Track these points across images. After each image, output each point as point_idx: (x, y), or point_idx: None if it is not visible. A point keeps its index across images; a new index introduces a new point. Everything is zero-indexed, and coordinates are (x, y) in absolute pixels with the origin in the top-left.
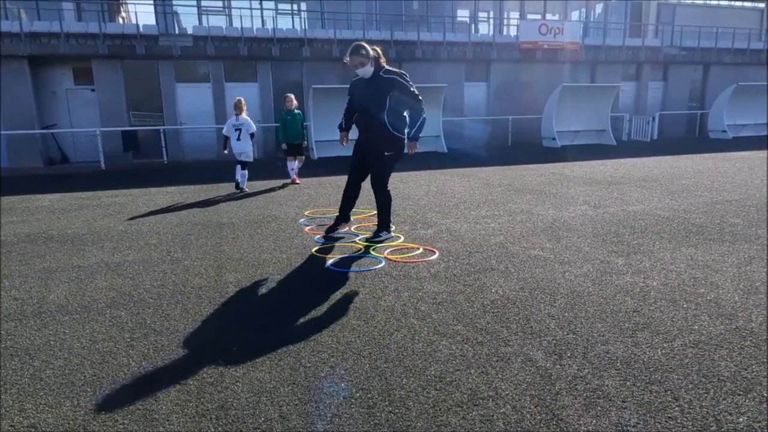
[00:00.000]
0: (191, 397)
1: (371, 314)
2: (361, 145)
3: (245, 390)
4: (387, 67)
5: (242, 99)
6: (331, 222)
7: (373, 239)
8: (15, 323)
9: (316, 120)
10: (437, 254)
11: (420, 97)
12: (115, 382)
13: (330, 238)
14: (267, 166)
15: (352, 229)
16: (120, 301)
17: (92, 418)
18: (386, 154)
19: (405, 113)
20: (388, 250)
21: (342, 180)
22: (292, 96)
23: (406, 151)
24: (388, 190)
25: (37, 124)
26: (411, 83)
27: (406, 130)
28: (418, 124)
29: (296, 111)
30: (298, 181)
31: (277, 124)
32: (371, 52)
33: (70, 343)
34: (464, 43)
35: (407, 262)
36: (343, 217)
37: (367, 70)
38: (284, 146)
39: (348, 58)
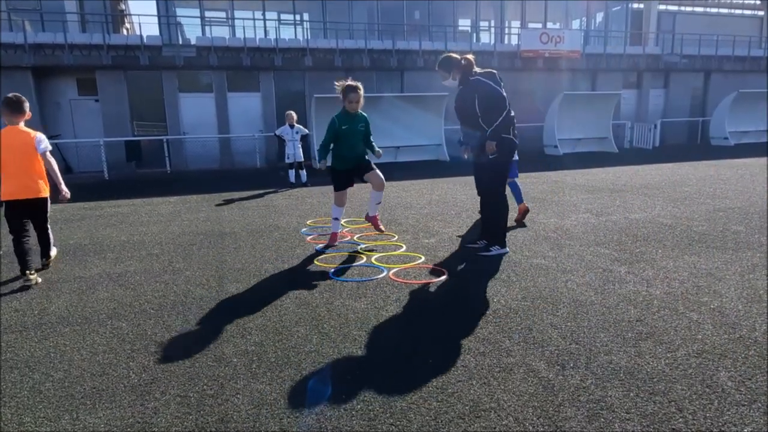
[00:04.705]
0: (191, 410)
1: (373, 324)
2: (474, 156)
3: (246, 402)
4: (477, 70)
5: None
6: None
7: (483, 252)
8: (15, 335)
9: (318, 129)
10: (446, 275)
11: (503, 95)
12: (114, 395)
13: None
14: (268, 176)
15: (355, 237)
16: (121, 312)
17: (91, 431)
18: (490, 157)
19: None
20: (393, 271)
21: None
22: (360, 92)
23: (492, 154)
24: (501, 200)
25: None
26: (495, 81)
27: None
28: (496, 123)
29: (360, 113)
30: (382, 227)
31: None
32: (453, 63)
33: (71, 355)
34: (465, 51)
35: (409, 283)
36: (484, 233)
37: (452, 83)
38: (320, 166)
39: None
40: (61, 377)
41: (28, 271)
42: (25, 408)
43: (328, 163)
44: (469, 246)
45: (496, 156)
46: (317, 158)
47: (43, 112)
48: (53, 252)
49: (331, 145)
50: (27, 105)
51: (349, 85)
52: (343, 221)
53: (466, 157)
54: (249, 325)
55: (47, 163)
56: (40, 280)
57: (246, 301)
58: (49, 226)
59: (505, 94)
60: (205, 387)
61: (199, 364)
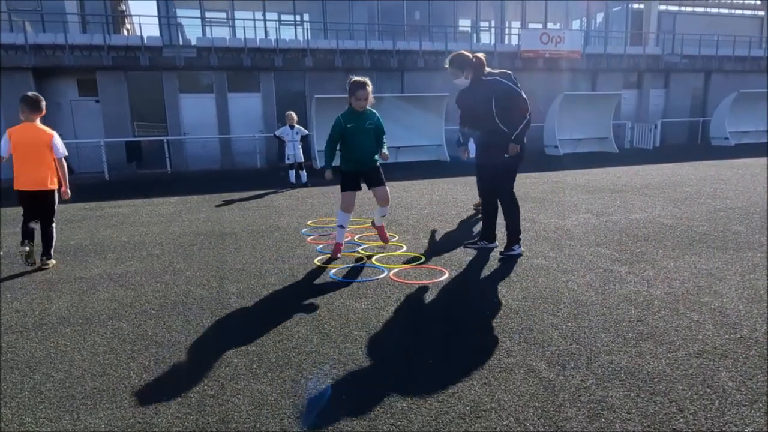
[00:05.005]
0: (192, 410)
1: (373, 325)
2: (478, 154)
3: (246, 403)
4: (489, 70)
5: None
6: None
7: (506, 253)
8: (16, 335)
9: (318, 130)
10: (446, 274)
11: (524, 97)
12: (115, 395)
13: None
14: (268, 177)
15: (355, 238)
16: (122, 313)
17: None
18: (505, 156)
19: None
20: (394, 271)
21: None
22: (369, 88)
23: (508, 154)
24: (515, 199)
25: None
26: (513, 82)
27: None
28: (521, 126)
29: (370, 111)
30: (388, 237)
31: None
32: (467, 62)
33: (71, 355)
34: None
35: (410, 283)
36: (492, 238)
37: (464, 82)
38: (326, 175)
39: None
40: (61, 378)
41: (26, 240)
42: (25, 408)
43: (336, 163)
44: (469, 245)
45: (510, 157)
46: (324, 163)
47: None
48: (52, 262)
49: (338, 147)
50: (44, 104)
51: (355, 82)
52: None
53: (465, 158)
54: (249, 325)
55: (60, 167)
56: (37, 260)
57: (246, 302)
58: (54, 225)
59: (525, 96)
60: (205, 387)
61: (199, 364)
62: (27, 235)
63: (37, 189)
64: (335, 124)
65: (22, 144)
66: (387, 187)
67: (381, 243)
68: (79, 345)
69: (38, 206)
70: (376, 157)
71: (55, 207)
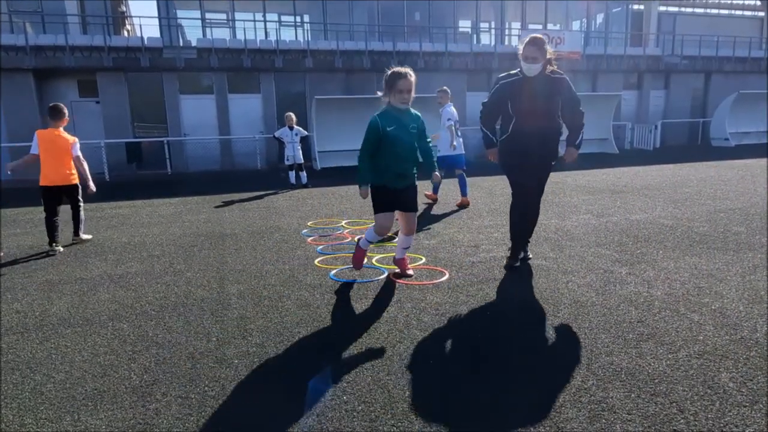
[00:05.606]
0: (192, 411)
1: (374, 326)
2: (530, 155)
3: (246, 403)
4: (552, 68)
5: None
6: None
7: (528, 257)
8: (17, 336)
9: (318, 130)
10: (447, 275)
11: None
12: (115, 396)
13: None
14: (269, 178)
15: (355, 239)
16: (122, 314)
17: None
18: (553, 164)
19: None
20: (394, 272)
21: (344, 189)
22: (412, 78)
23: (555, 161)
24: None
25: None
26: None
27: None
28: (582, 132)
29: (414, 112)
30: (411, 272)
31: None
32: (546, 52)
33: (72, 356)
34: (466, 53)
35: (410, 284)
36: (524, 245)
37: (535, 68)
38: (362, 192)
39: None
40: (62, 378)
41: (54, 243)
42: (26, 409)
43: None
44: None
45: (555, 163)
46: (359, 178)
47: (44, 114)
48: (84, 236)
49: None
50: (66, 111)
51: (395, 72)
52: (343, 222)
53: (495, 160)
54: (250, 326)
55: (79, 164)
56: (62, 249)
57: (247, 303)
58: (81, 207)
59: None
60: (206, 388)
61: (200, 365)
62: (52, 231)
63: (63, 184)
64: (371, 127)
65: (50, 147)
66: (415, 216)
67: (380, 244)
68: (80, 346)
69: (66, 196)
70: (415, 171)
71: (80, 196)
